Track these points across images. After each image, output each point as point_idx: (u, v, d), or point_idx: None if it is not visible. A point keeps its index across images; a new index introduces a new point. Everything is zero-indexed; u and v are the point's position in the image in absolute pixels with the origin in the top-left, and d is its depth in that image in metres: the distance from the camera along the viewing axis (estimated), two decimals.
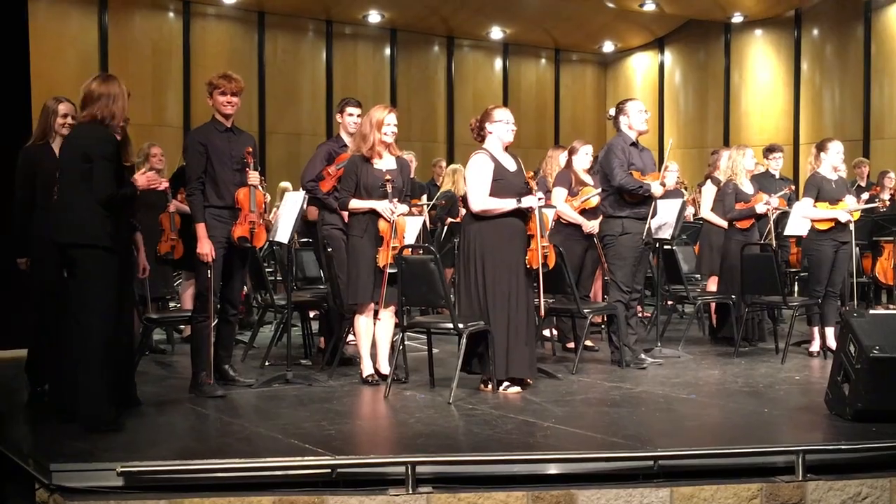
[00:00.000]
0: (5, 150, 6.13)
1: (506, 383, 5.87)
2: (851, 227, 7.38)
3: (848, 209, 7.36)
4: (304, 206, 6.20)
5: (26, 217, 5.51)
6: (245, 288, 7.51)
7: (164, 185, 4.97)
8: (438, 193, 9.84)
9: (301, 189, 6.75)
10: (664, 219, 7.23)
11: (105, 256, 4.73)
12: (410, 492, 4.03)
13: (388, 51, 16.88)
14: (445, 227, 9.13)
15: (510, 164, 6.01)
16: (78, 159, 4.75)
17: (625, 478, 4.24)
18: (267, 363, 6.90)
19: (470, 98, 17.27)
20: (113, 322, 4.75)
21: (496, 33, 17.44)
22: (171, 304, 8.63)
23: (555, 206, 7.40)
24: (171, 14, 14.93)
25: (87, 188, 4.73)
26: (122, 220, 4.90)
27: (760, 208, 7.78)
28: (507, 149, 6.05)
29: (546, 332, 7.79)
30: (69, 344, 4.85)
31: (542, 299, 6.07)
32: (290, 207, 6.14)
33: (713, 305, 8.41)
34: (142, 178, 4.96)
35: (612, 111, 7.02)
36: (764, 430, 5.04)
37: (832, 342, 7.25)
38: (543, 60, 18.59)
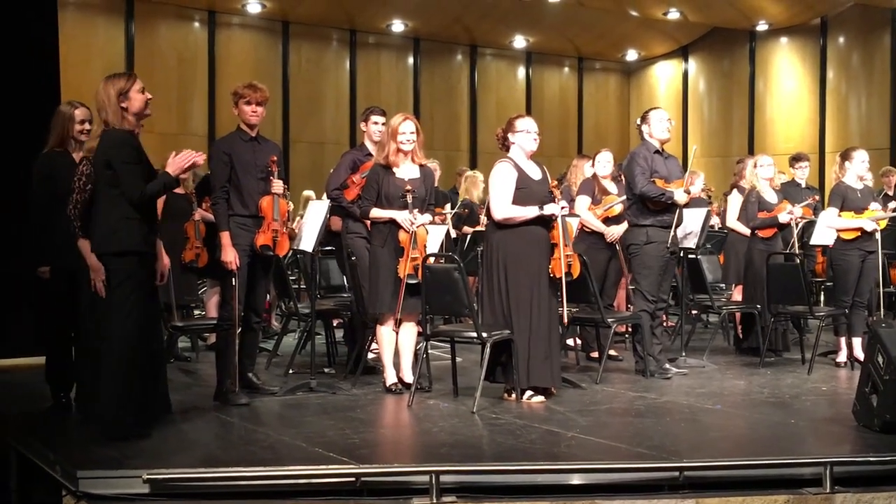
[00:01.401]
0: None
1: (529, 392, 5.85)
2: (878, 236, 7.32)
3: (874, 218, 7.30)
4: (328, 214, 6.22)
5: (45, 226, 5.45)
6: (269, 296, 7.53)
7: (201, 157, 4.86)
8: (459, 203, 9.85)
9: (325, 197, 6.77)
10: (689, 227, 7.20)
11: (136, 262, 4.74)
12: (435, 501, 4.02)
13: (411, 60, 16.94)
14: (469, 236, 9.13)
15: (535, 173, 6.00)
16: (102, 168, 4.76)
17: (650, 488, 4.21)
18: (290, 371, 6.91)
19: (493, 107, 17.30)
20: (139, 329, 4.74)
21: (519, 42, 17.47)
22: (196, 312, 8.67)
23: (578, 215, 7.40)
24: (197, 24, 15.07)
25: (115, 195, 4.73)
26: (154, 226, 4.89)
27: (783, 217, 7.73)
28: (531, 157, 6.04)
29: (570, 342, 7.76)
30: (95, 351, 4.87)
31: (566, 308, 6.05)
32: (314, 216, 6.15)
33: (738, 315, 8.35)
34: (173, 167, 4.82)
35: (639, 120, 7.02)
36: (790, 442, 4.99)
37: (859, 353, 7.19)
38: (566, 69, 18.59)
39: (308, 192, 10.81)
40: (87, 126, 5.55)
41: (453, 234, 8.70)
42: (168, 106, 14.21)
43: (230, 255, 5.67)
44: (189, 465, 4.29)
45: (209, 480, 4.13)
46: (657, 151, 6.88)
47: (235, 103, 5.86)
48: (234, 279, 5.70)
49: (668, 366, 6.94)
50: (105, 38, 14.16)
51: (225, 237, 5.70)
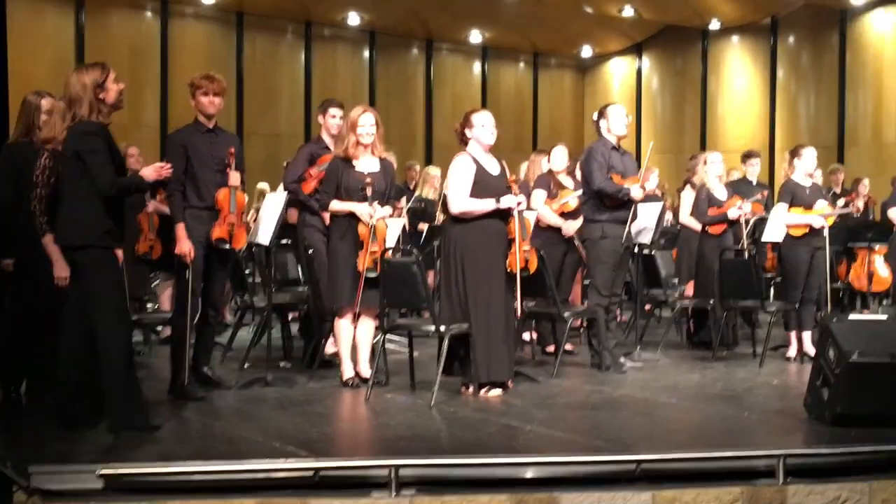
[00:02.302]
0: None
1: (487, 386, 5.87)
2: (825, 232, 7.45)
3: (822, 214, 7.43)
4: (286, 207, 6.17)
5: (10, 217, 5.33)
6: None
7: (170, 170, 4.86)
8: (414, 197, 9.84)
9: (282, 190, 6.72)
10: (644, 223, 7.27)
11: (110, 256, 4.68)
12: (394, 495, 4.01)
13: (367, 53, 16.88)
14: (425, 231, 9.13)
15: (492, 168, 6.01)
16: (72, 160, 4.66)
17: (607, 481, 4.24)
18: (246, 365, 6.86)
19: (449, 101, 17.30)
20: (129, 321, 4.71)
21: (475, 37, 17.48)
22: (149, 305, 8.56)
23: (535, 210, 7.43)
24: (149, 14, 14.86)
25: (84, 187, 4.63)
26: (121, 220, 4.79)
27: (732, 213, 7.83)
28: (489, 151, 6.06)
29: (525, 336, 7.80)
30: (75, 347, 4.77)
31: (522, 302, 6.06)
32: (271, 209, 6.11)
33: (690, 310, 8.45)
34: (149, 170, 4.81)
35: (597, 115, 7.04)
36: (744, 434, 5.07)
37: (809, 347, 7.32)
38: (522, 64, 18.66)
39: (263, 185, 10.72)
40: (47, 117, 5.43)
41: (407, 228, 8.69)
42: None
43: (185, 247, 5.59)
44: (144, 459, 4.23)
45: (165, 476, 4.08)
46: (614, 147, 6.92)
47: (192, 94, 5.78)
48: (188, 272, 5.63)
49: (622, 360, 7.01)
50: (54, 27, 13.90)
51: (180, 229, 5.62)
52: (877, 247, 9.16)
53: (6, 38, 7.73)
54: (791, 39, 16.40)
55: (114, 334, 4.64)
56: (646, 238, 7.37)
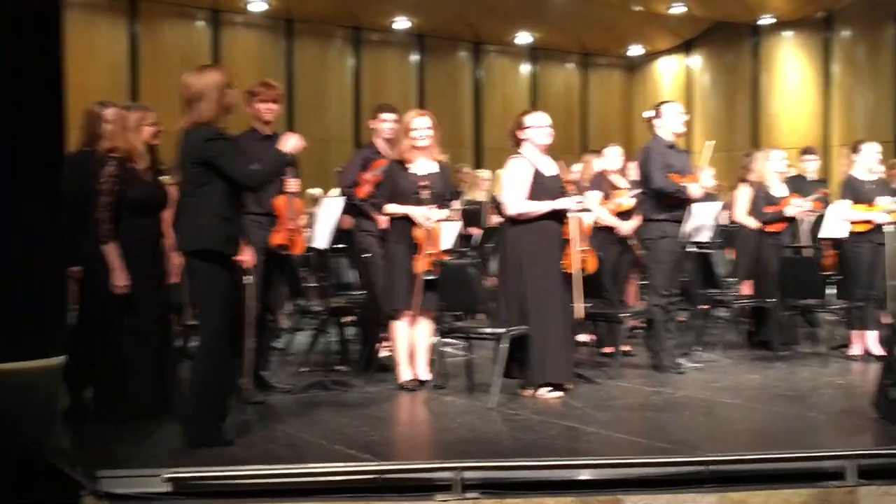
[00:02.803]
0: (44, 160, 6.08)
1: (546, 388, 5.83)
2: (890, 228, 7.29)
3: (886, 210, 7.28)
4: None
5: (75, 225, 5.37)
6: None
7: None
8: (463, 200, 9.83)
9: (339, 194, 6.75)
10: (701, 221, 7.17)
11: (227, 264, 4.64)
12: (459, 497, 4.00)
13: (415, 57, 16.91)
14: (480, 235, 9.10)
15: (548, 169, 5.98)
16: (190, 168, 4.59)
17: (672, 483, 4.19)
18: (303, 369, 6.89)
19: (498, 103, 17.27)
20: (226, 334, 4.64)
21: (523, 38, 17.43)
22: None
23: (591, 210, 7.38)
24: (200, 23, 15.05)
25: (205, 193, 4.56)
26: (239, 226, 4.76)
27: (789, 211, 7.70)
28: (545, 152, 6.03)
29: (583, 337, 7.74)
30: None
31: (581, 303, 6.02)
32: (328, 213, 6.13)
33: (749, 309, 8.32)
34: (290, 140, 4.72)
35: (650, 113, 6.97)
36: (811, 435, 4.98)
37: (872, 345, 7.17)
38: (571, 65, 18.57)
39: (314, 190, 10.78)
40: (112, 127, 5.46)
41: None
42: (173, 106, 14.04)
43: (246, 254, 5.63)
44: (210, 463, 4.26)
45: (231, 479, 4.12)
46: (670, 146, 6.85)
47: (249, 102, 5.84)
48: (250, 277, 5.66)
49: (681, 360, 6.92)
50: (108, 37, 14.12)
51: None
52: None
53: (64, 51, 7.88)
54: (846, 34, 16.12)
55: (208, 349, 4.60)
56: (703, 237, 7.28)
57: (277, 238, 5.75)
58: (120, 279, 5.05)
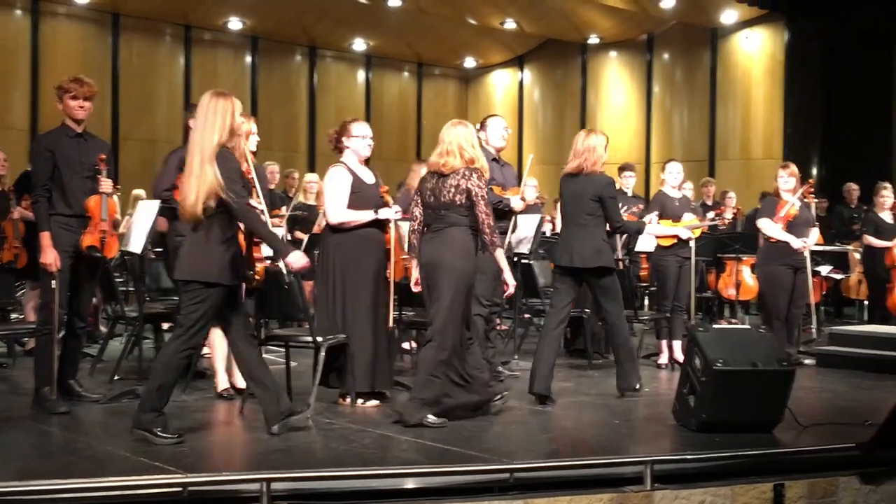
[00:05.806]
0: None
1: (364, 397, 5.83)
2: (692, 243, 7.70)
3: (689, 226, 7.70)
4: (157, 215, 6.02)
5: None
6: (94, 299, 7.22)
7: None
8: (294, 204, 9.72)
9: (155, 198, 6.54)
10: (523, 233, 7.37)
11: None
12: None
13: (248, 59, 16.62)
14: (305, 240, 9.02)
15: (368, 177, 6.01)
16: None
17: (481, 490, 4.27)
18: (116, 377, 6.64)
19: (332, 109, 17.19)
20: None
21: (359, 45, 17.44)
22: (14, 316, 8.22)
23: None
24: (18, 12, 14.30)
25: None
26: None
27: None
28: (365, 162, 6.05)
29: (405, 345, 7.79)
30: None
31: (400, 312, 6.06)
32: (143, 216, 5.95)
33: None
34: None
35: (478, 126, 7.09)
36: (615, 441, 5.18)
37: (679, 355, 7.54)
38: (406, 73, 18.71)
39: (138, 192, 10.41)
40: None
41: (287, 237, 8.57)
42: None
43: (50, 257, 5.39)
44: (3, 477, 4.04)
45: (25, 494, 3.91)
46: (494, 159, 6.98)
47: (60, 98, 5.58)
48: (53, 281, 5.42)
49: (500, 368, 7.07)
50: None
51: (45, 238, 5.42)
52: (744, 257, 9.51)
53: None
54: (666, 56, 16.95)
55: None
56: (525, 248, 7.47)
57: (88, 239, 5.51)
58: None
